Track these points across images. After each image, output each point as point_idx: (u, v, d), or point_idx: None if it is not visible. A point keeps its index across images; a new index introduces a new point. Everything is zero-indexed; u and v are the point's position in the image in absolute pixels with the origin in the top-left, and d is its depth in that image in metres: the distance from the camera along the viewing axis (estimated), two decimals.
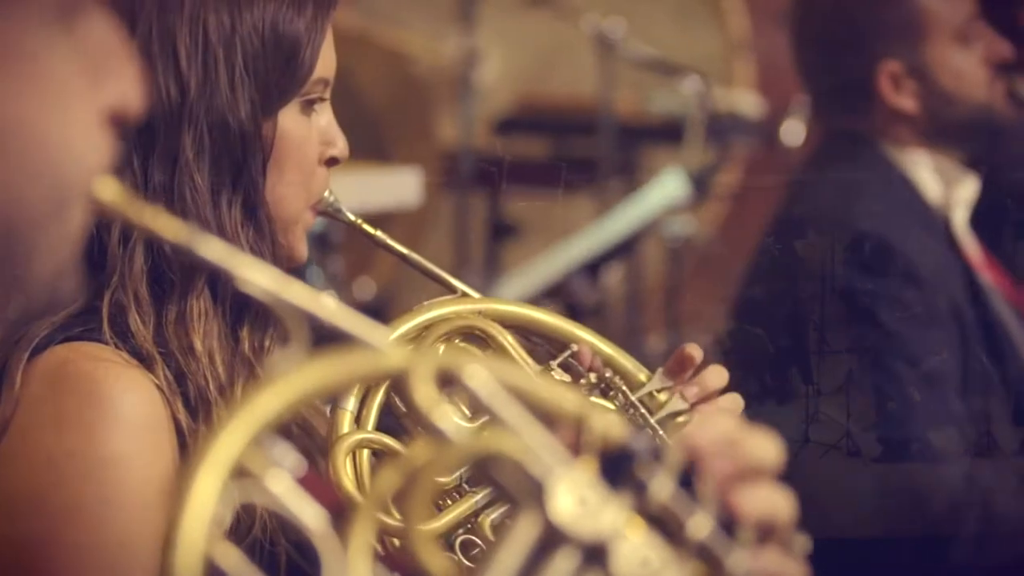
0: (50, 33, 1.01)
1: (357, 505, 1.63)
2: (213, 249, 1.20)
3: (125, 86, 1.07)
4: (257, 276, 1.18)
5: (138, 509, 1.66)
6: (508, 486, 1.08)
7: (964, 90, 3.02)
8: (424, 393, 1.10)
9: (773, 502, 1.14)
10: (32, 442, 1.65)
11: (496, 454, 1.08)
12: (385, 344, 1.13)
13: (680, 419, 1.83)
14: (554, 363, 1.83)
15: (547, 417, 1.12)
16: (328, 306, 1.18)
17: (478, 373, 1.11)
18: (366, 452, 1.75)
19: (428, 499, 1.10)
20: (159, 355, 1.72)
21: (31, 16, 1.00)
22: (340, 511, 1.53)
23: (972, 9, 3.04)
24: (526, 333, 1.87)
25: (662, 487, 1.09)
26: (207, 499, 1.02)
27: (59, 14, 1.02)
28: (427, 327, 1.81)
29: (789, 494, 1.15)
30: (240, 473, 1.04)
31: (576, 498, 1.06)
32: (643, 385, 1.84)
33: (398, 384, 1.11)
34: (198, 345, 1.73)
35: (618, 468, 1.10)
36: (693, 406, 1.83)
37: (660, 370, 1.85)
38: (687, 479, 1.11)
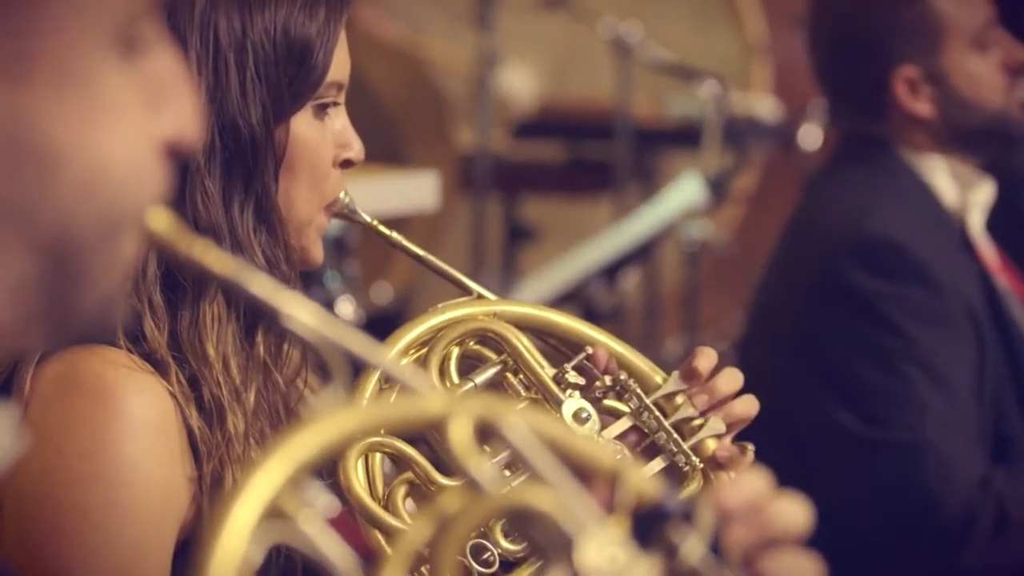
0: (111, 59, 1.01)
1: (381, 543, 1.63)
2: (260, 285, 1.21)
3: (183, 116, 1.06)
4: (302, 314, 1.18)
5: (147, 513, 1.66)
6: (539, 539, 1.08)
7: (981, 96, 3.01)
8: (461, 441, 1.09)
9: (801, 570, 1.12)
10: (42, 443, 1.65)
11: (529, 507, 1.08)
12: (426, 389, 1.13)
13: (695, 422, 1.82)
14: (569, 365, 1.80)
15: (582, 472, 1.11)
16: (371, 348, 1.18)
17: (516, 425, 1.11)
18: (379, 456, 1.74)
19: (459, 548, 1.09)
20: (173, 360, 1.71)
21: (92, 41, 1.00)
22: (371, 554, 1.52)
23: (989, 15, 3.03)
24: (541, 335, 1.85)
25: (693, 550, 1.08)
26: (239, 538, 1.02)
27: (120, 40, 1.02)
28: (441, 329, 1.80)
29: (816, 561, 1.13)
30: (274, 513, 1.04)
31: (606, 556, 1.05)
32: (659, 388, 1.82)
33: (435, 429, 1.10)
34: (211, 351, 1.73)
35: (650, 528, 1.09)
36: (704, 413, 1.82)
37: (676, 372, 1.83)
38: (716, 543, 1.10)
